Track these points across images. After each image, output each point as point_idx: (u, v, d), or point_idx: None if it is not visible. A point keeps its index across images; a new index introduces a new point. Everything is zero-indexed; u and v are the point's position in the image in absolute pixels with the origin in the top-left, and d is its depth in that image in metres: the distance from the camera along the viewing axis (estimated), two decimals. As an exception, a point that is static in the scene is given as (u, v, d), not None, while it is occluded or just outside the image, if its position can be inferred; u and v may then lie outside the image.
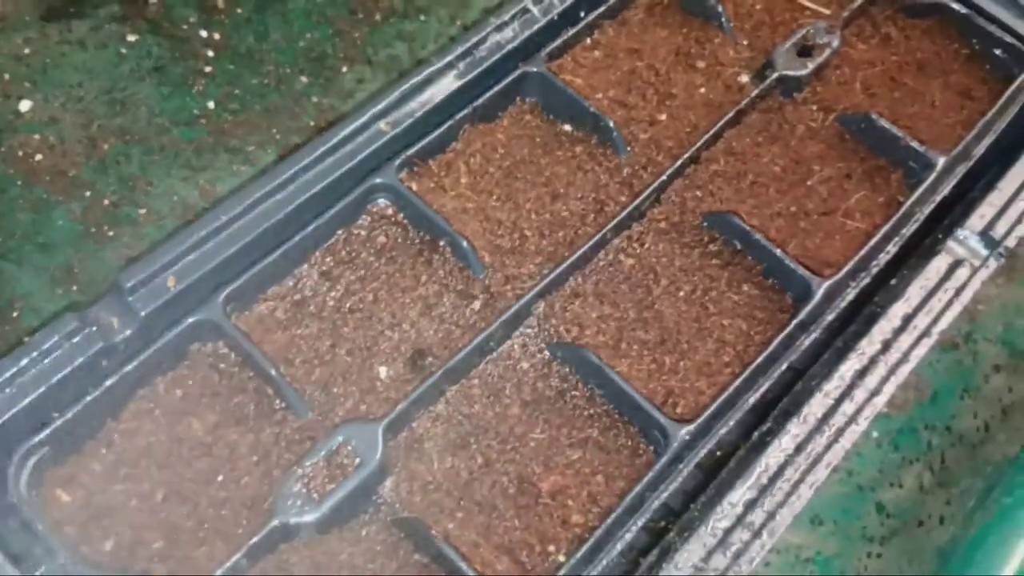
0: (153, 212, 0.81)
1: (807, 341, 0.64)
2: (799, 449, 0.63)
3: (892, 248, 0.69)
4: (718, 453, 0.61)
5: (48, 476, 0.58)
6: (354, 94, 0.90)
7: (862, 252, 0.67)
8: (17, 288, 0.75)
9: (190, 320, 0.62)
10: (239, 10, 0.96)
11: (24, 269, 0.76)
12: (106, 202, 0.82)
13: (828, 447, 0.64)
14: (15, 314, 0.75)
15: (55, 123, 0.86)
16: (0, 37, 0.91)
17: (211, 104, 0.89)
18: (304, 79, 0.92)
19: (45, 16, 0.93)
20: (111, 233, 0.80)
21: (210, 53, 0.92)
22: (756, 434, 0.63)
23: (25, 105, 0.87)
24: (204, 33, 0.93)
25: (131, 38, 0.92)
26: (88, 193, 0.82)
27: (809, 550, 0.65)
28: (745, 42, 0.80)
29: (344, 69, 0.93)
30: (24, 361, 0.57)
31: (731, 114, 0.73)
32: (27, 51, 0.91)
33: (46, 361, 0.58)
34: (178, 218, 0.81)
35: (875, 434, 0.75)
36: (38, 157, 0.84)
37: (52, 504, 0.56)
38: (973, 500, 0.69)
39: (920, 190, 0.70)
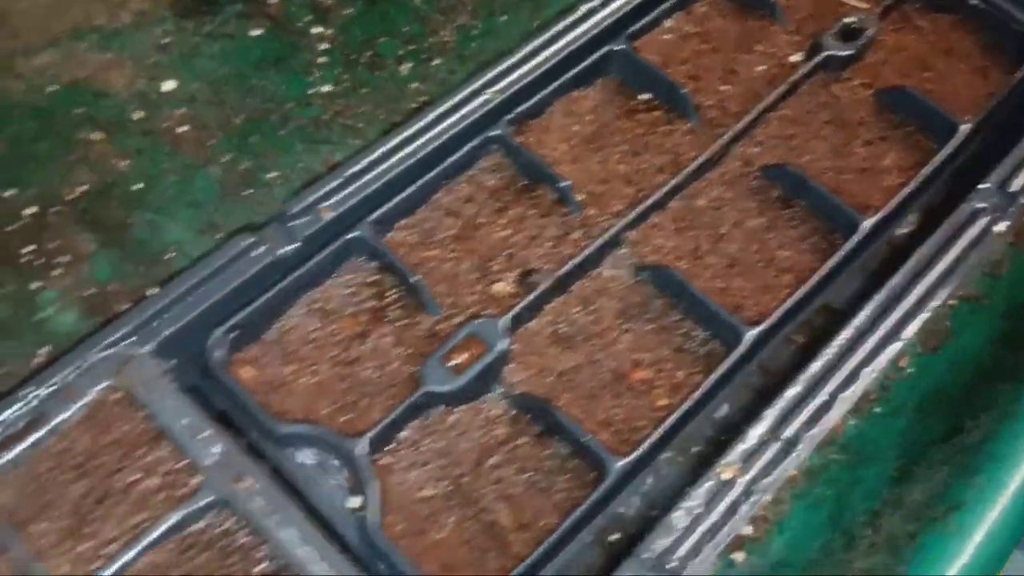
0: (281, 176, 0.94)
1: (851, 269, 0.77)
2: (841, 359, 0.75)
3: (924, 198, 0.82)
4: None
5: (234, 358, 0.71)
6: (446, 82, 1.04)
7: (898, 198, 0.80)
8: (169, 237, 0.88)
9: (343, 239, 0.76)
10: (347, 10, 1.10)
11: (175, 222, 0.89)
12: (241, 168, 0.95)
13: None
14: (167, 257, 0.88)
15: (194, 101, 1.00)
16: (143, 29, 1.06)
17: (325, 88, 1.03)
18: (403, 69, 1.05)
19: (180, 13, 1.07)
20: (246, 193, 0.93)
21: (323, 46, 1.06)
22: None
23: (168, 85, 1.01)
24: (317, 30, 1.08)
25: (254, 33, 1.06)
26: (224, 160, 0.95)
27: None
28: (794, 29, 0.95)
29: (438, 61, 1.06)
30: (216, 265, 0.72)
31: (786, 85, 0.87)
32: (165, 41, 1.05)
33: (230, 269, 0.72)
34: (303, 181, 0.94)
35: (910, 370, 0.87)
36: (181, 129, 0.98)
37: (239, 379, 0.69)
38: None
39: (947, 150, 0.83)
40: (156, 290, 0.82)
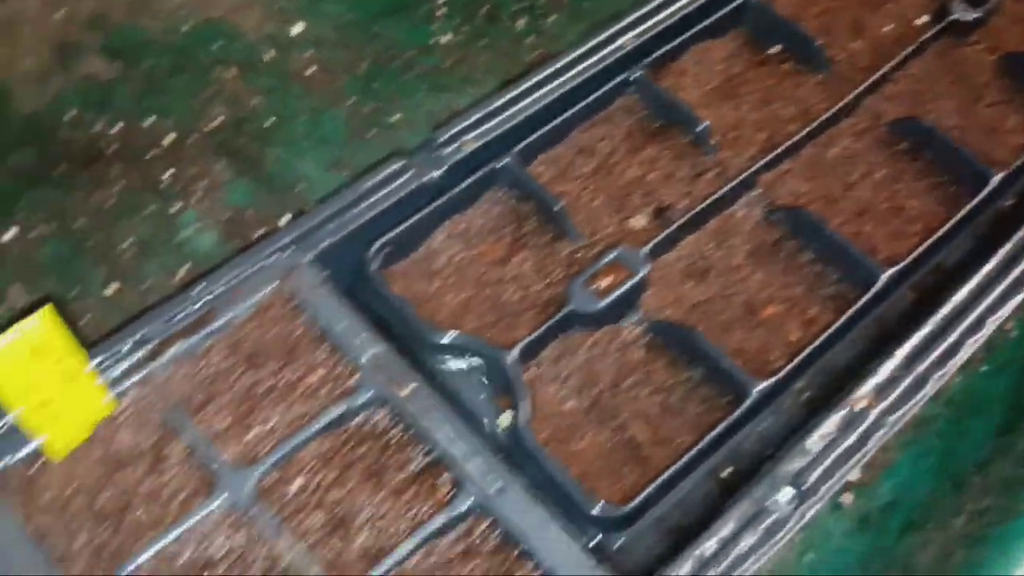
0: (405, 120, 0.98)
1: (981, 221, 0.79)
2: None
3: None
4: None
5: (385, 273, 0.75)
6: (559, 38, 1.06)
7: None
8: (299, 171, 0.92)
9: (490, 167, 0.80)
10: (464, -35, 1.13)
11: (305, 158, 0.93)
12: (366, 110, 0.98)
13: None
14: (298, 190, 0.91)
15: (321, 44, 1.04)
16: (270, -25, 1.10)
17: (445, 39, 1.06)
18: (518, 24, 1.08)
19: (306, -41, 1.11)
20: (370, 134, 0.96)
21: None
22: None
23: (296, 29, 1.05)
24: (436, -17, 1.11)
25: (375, -16, 1.10)
26: (350, 102, 0.99)
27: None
28: (921, -6, 0.97)
29: (552, 18, 1.09)
30: (368, 185, 0.76)
31: (914, 45, 0.89)
32: (293, -13, 1.09)
33: (381, 190, 0.76)
34: (426, 126, 0.97)
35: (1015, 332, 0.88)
36: (309, 71, 1.02)
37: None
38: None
39: (1075, 113, 0.85)
40: (288, 218, 0.87)
